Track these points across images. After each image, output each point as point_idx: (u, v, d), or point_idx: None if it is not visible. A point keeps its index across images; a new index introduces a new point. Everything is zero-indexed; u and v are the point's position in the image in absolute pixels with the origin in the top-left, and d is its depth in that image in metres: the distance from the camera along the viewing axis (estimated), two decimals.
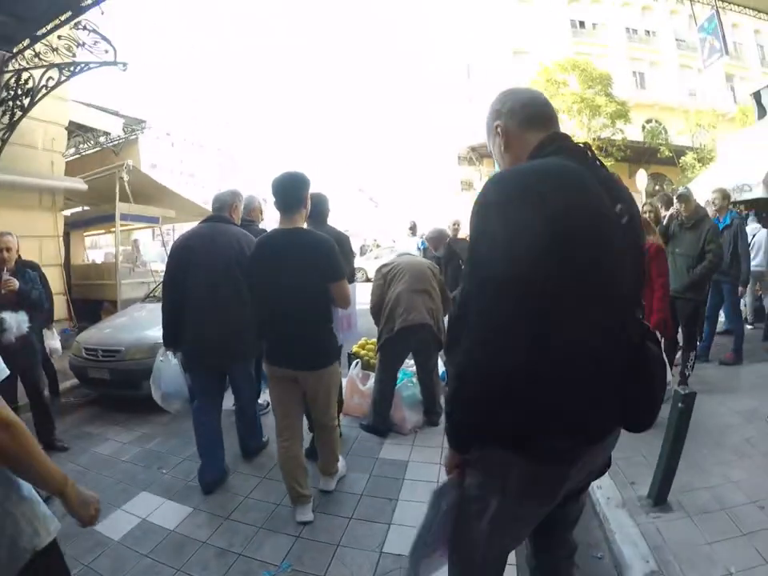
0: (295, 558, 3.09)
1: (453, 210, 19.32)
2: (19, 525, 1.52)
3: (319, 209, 4.30)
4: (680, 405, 3.17)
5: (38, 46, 8.01)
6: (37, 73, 8.09)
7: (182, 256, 4.04)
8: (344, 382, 5.00)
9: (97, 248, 20.31)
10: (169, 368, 4.08)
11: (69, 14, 7.48)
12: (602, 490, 3.59)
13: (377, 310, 4.93)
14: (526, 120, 1.65)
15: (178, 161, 59.30)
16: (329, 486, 3.86)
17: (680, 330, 5.51)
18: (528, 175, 1.44)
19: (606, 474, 3.66)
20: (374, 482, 4.01)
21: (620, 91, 23.63)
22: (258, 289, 3.44)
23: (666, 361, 4.30)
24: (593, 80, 22.54)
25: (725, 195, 6.71)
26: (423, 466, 4.20)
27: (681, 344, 5.54)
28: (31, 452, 1.52)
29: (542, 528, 1.75)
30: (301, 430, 3.65)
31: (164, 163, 52.75)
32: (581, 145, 1.59)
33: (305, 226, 3.58)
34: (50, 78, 8.15)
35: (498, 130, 1.69)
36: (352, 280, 4.29)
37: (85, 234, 13.72)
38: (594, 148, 1.60)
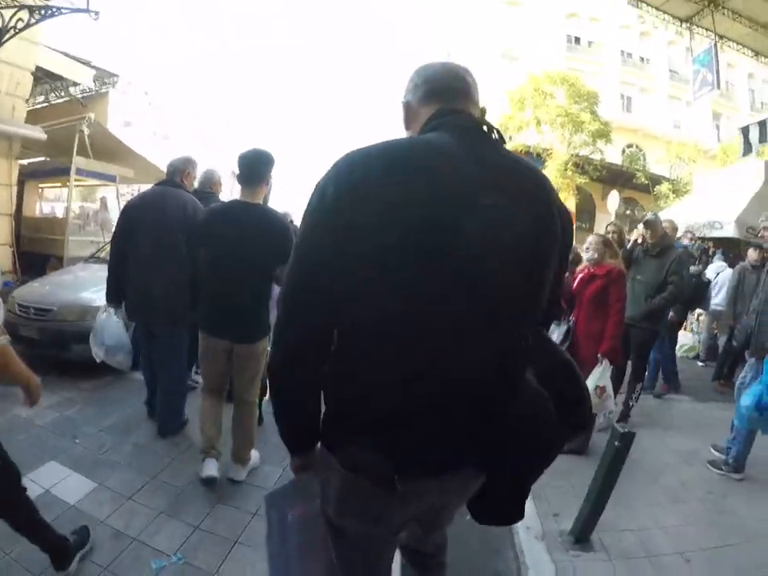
0: (190, 550, 2.94)
1: None
2: None
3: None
4: (616, 443, 2.96)
5: None
6: (7, 13, 8.04)
7: (131, 216, 4.23)
8: None
9: (60, 201, 19.83)
10: (111, 324, 4.24)
11: None
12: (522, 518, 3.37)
13: None
14: (425, 95, 1.51)
15: (154, 121, 57.74)
16: (239, 476, 3.71)
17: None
18: (364, 158, 1.29)
19: (531, 500, 3.55)
20: (285, 477, 3.71)
21: (606, 112, 23.61)
22: (207, 256, 3.53)
23: (611, 389, 4.20)
24: (580, 96, 22.51)
25: (674, 227, 6.62)
26: None
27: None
28: (14, 365, 2.05)
29: None
30: (224, 395, 3.80)
31: (139, 122, 51.35)
32: (469, 120, 1.42)
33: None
34: (19, 19, 8.12)
35: (402, 106, 1.58)
36: None
37: (40, 185, 13.69)
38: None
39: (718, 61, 13.20)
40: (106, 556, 2.81)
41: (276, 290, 3.61)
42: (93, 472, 3.67)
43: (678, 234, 7.30)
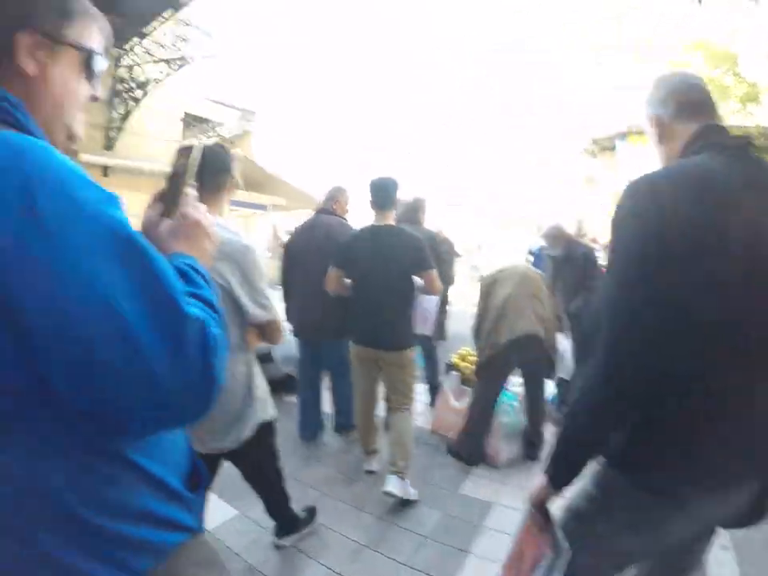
0: None
1: (574, 206, 19.28)
2: (257, 406, 2.50)
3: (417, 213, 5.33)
4: None
5: (148, 44, 9.51)
6: (148, 67, 9.52)
7: (289, 247, 4.82)
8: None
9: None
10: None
11: (171, 11, 8.89)
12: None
13: (478, 327, 4.49)
14: (676, 110, 1.54)
15: (291, 151, 60.04)
16: (392, 487, 3.56)
17: None
18: (655, 184, 1.35)
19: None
20: (445, 524, 3.39)
21: (747, 70, 21.47)
22: (351, 278, 3.90)
23: None
24: (717, 59, 20.72)
25: None
26: (510, 512, 3.51)
27: None
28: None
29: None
30: (376, 398, 4.13)
31: (277, 153, 53.71)
32: (736, 139, 1.44)
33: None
34: (159, 71, 9.58)
35: (651, 121, 1.62)
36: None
37: None
38: None
39: None
40: None
41: (418, 306, 4.05)
42: (236, 499, 3.53)
43: None
